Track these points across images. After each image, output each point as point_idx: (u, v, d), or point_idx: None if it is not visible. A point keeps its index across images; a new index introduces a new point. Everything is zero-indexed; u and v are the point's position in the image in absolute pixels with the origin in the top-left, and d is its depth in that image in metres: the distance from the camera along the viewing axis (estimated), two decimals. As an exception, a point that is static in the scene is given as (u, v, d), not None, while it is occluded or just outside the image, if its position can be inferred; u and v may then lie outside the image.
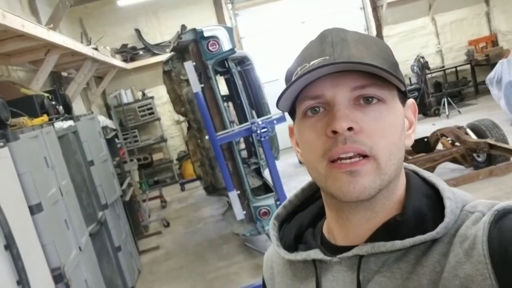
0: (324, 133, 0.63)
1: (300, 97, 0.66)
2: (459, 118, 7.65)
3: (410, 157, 4.93)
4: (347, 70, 0.62)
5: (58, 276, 2.32)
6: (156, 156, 8.58)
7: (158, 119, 8.55)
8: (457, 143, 4.96)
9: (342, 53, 0.63)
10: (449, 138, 5.12)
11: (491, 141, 4.58)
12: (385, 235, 0.65)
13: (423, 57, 8.43)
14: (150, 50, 8.40)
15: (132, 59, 8.27)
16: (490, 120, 4.99)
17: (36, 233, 2.26)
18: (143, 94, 8.47)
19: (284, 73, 0.72)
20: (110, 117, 7.19)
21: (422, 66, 8.32)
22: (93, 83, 7.11)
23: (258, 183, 4.56)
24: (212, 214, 6.12)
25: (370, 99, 0.63)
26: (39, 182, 2.37)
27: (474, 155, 4.90)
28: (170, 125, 8.91)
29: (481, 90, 9.27)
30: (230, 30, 4.09)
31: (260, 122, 3.74)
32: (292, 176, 6.50)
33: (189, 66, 3.72)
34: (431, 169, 4.60)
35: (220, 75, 4.71)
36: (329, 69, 0.61)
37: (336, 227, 0.71)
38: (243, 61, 4.91)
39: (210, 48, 3.93)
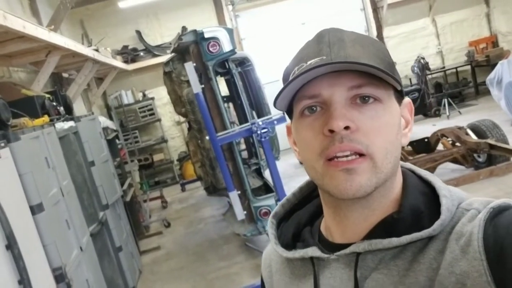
0: (321, 132, 0.64)
1: (297, 96, 0.67)
2: (459, 119, 7.65)
3: (410, 158, 4.93)
4: (344, 70, 0.63)
5: (59, 276, 2.33)
6: (157, 157, 8.60)
7: (159, 120, 8.56)
8: (457, 144, 4.96)
9: (339, 53, 0.64)
10: (449, 139, 5.12)
11: (491, 141, 4.57)
12: (382, 233, 0.65)
13: (423, 58, 8.42)
14: (150, 51, 8.41)
15: (133, 60, 8.28)
16: (491, 121, 4.99)
17: (37, 233, 2.27)
18: (144, 95, 8.47)
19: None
20: (110, 118, 7.19)
21: (423, 67, 8.31)
22: (94, 84, 7.11)
23: (259, 183, 4.56)
24: (213, 214, 6.13)
25: (366, 98, 0.64)
26: (40, 183, 2.37)
27: (475, 155, 4.90)
28: (171, 126, 8.92)
29: (481, 91, 9.26)
30: (230, 31, 4.09)
31: (260, 123, 3.74)
32: (293, 177, 6.49)
33: (189, 67, 3.73)
34: (432, 170, 4.60)
35: (221, 76, 4.72)
36: (326, 69, 0.62)
37: (334, 224, 0.72)
38: (243, 62, 4.92)
39: (211, 49, 3.94)
